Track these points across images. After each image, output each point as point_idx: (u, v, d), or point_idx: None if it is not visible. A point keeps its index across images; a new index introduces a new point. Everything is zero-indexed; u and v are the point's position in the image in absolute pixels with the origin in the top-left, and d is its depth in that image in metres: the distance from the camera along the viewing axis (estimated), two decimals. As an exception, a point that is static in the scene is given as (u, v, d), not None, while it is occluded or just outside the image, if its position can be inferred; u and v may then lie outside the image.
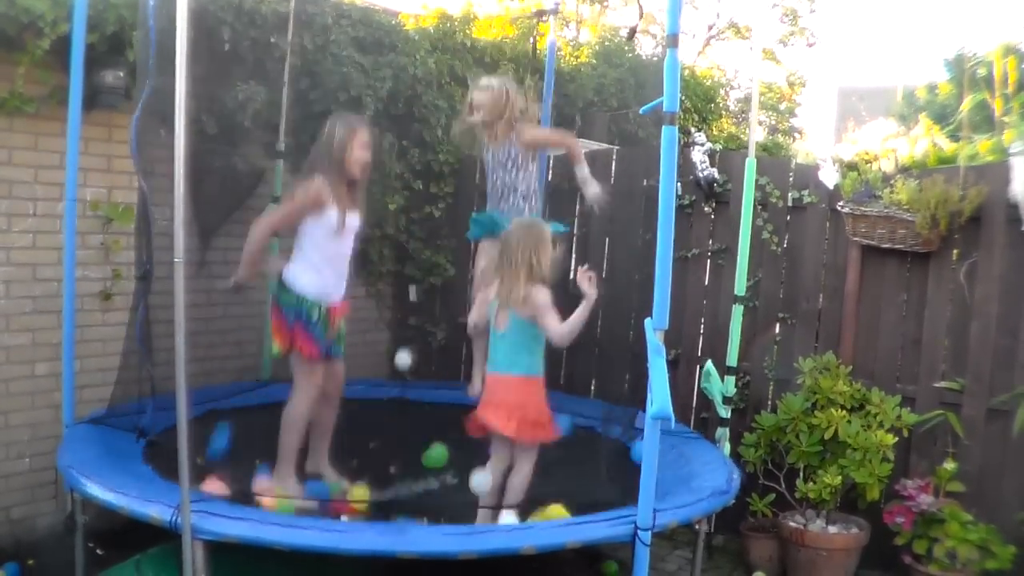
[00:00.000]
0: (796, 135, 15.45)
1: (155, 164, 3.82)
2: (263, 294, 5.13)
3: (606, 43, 8.50)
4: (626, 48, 7.97)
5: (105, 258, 4.51)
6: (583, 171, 4.61)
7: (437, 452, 4.59)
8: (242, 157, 4.77)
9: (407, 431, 4.84)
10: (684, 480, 3.86)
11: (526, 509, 3.81)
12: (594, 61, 7.39)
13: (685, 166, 5.04)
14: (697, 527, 3.97)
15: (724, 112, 9.76)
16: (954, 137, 5.08)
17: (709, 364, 4.77)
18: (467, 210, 5.32)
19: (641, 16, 14.16)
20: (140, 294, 3.90)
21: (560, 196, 5.60)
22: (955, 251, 4.59)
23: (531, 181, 4.60)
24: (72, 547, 3.81)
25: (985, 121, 5.53)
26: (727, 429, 4.63)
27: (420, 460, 4.57)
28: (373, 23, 5.34)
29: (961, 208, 4.41)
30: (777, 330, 5.15)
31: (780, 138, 13.85)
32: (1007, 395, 4.39)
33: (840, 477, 4.41)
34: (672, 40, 3.01)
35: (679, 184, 4.90)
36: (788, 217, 5.09)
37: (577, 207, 5.64)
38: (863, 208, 4.61)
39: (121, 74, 4.18)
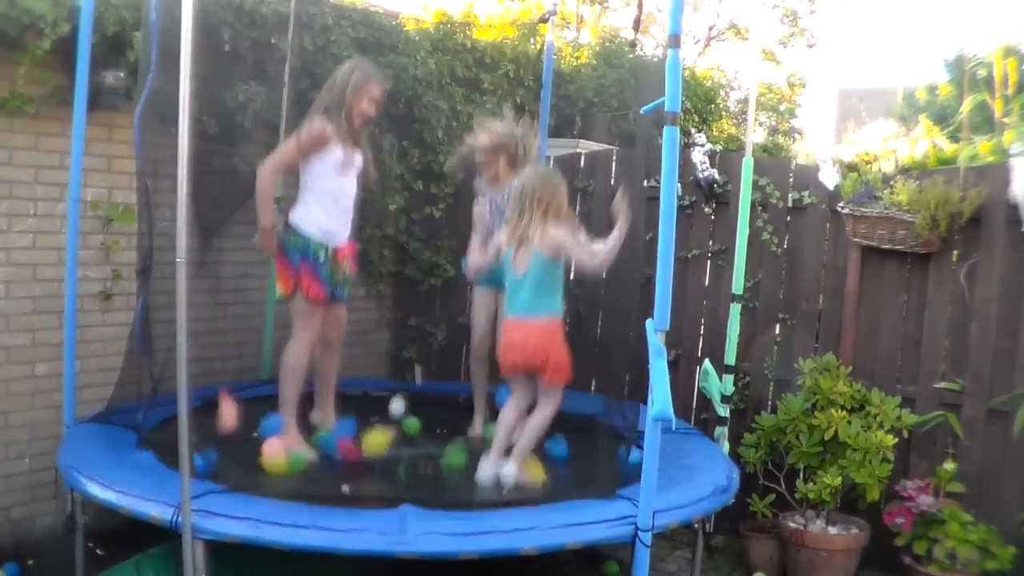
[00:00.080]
0: (796, 136, 15.45)
1: (157, 164, 3.82)
2: (263, 294, 5.15)
3: (606, 44, 8.51)
4: (626, 49, 7.97)
5: (105, 258, 4.51)
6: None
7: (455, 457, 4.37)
8: (242, 157, 4.77)
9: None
10: (684, 479, 3.85)
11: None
12: (594, 62, 7.39)
13: (685, 167, 5.04)
14: (697, 527, 3.98)
15: (724, 113, 9.76)
16: (954, 138, 5.08)
17: (707, 363, 4.77)
18: (467, 210, 5.31)
19: (641, 9, 14.14)
20: (140, 288, 3.90)
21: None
22: (955, 252, 4.59)
23: None
24: (72, 547, 3.81)
25: (985, 122, 5.53)
26: (726, 428, 4.63)
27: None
28: (373, 24, 5.35)
29: (961, 209, 4.41)
30: (777, 331, 5.15)
31: (780, 139, 13.85)
32: (1007, 396, 4.39)
33: (840, 478, 4.41)
34: (674, 40, 3.02)
35: (679, 185, 4.90)
36: (788, 218, 5.10)
37: (577, 208, 5.64)
38: (863, 209, 4.61)
39: (122, 75, 4.19)
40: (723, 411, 4.64)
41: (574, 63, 7.29)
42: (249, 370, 5.21)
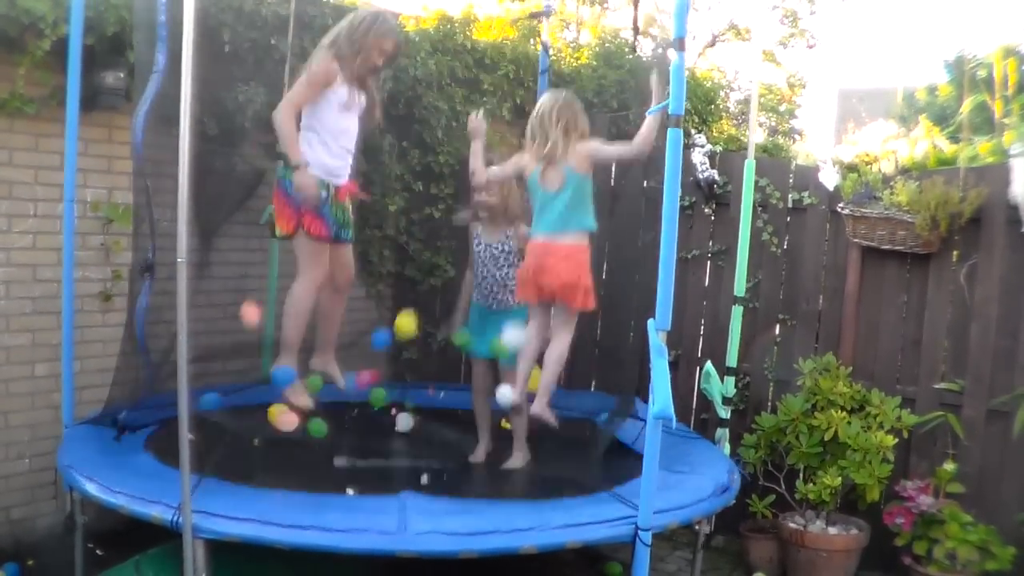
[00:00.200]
0: (796, 136, 15.46)
1: (157, 164, 3.82)
2: (263, 294, 5.14)
3: (606, 44, 8.50)
4: (626, 49, 7.96)
5: (105, 259, 4.51)
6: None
7: None
8: (242, 158, 4.77)
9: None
10: (684, 479, 3.86)
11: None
12: (594, 63, 7.38)
13: (685, 168, 5.04)
14: (697, 527, 3.98)
15: (724, 114, 9.75)
16: (954, 139, 5.08)
17: (708, 365, 4.77)
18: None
19: (637, 7, 14.13)
20: (144, 287, 3.89)
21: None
22: (955, 252, 4.59)
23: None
24: (72, 547, 3.81)
25: (985, 123, 5.53)
26: (727, 430, 4.63)
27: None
28: (374, 24, 5.33)
29: (961, 210, 4.42)
30: (777, 331, 5.15)
31: (780, 139, 13.85)
32: (1007, 396, 4.39)
33: (840, 478, 4.41)
34: (679, 44, 3.01)
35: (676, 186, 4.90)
36: (788, 218, 5.10)
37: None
38: (863, 209, 4.62)
39: (121, 75, 4.19)
40: (724, 413, 4.64)
41: (574, 64, 7.28)
42: (249, 370, 5.20)
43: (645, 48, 13.39)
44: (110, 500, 3.31)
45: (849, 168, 4.83)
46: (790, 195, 5.07)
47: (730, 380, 4.67)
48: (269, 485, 3.51)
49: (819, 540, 4.44)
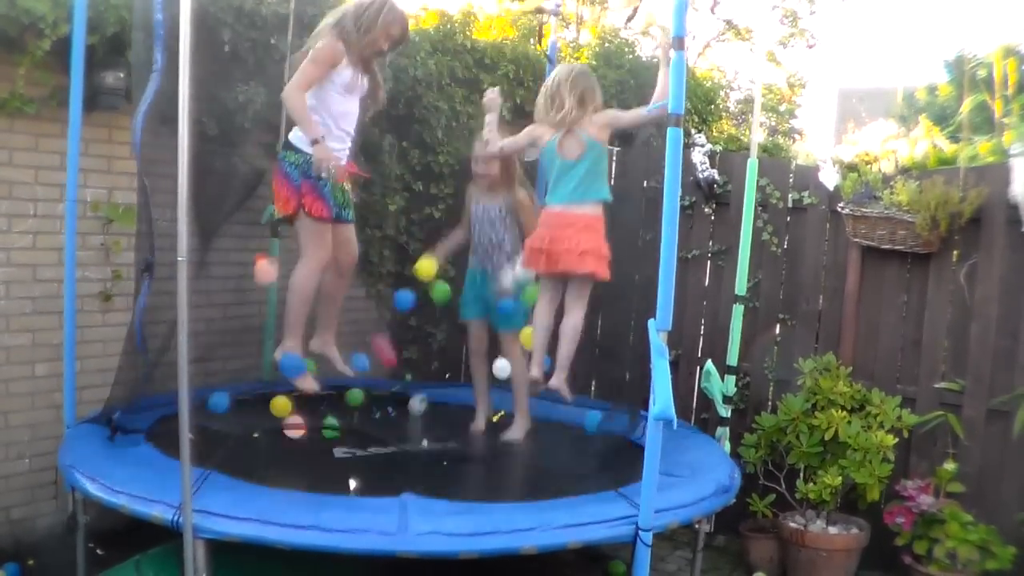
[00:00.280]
0: (796, 136, 15.44)
1: (157, 164, 3.82)
2: (263, 294, 5.14)
3: (606, 44, 8.50)
4: (626, 49, 7.95)
5: (105, 259, 4.51)
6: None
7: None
8: (242, 158, 4.77)
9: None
10: (685, 479, 3.85)
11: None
12: (594, 62, 7.39)
13: (685, 167, 5.04)
14: (697, 527, 3.98)
15: (724, 113, 9.76)
16: (954, 138, 5.08)
17: (709, 364, 4.77)
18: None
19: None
20: (143, 287, 3.89)
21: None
22: (955, 252, 4.59)
23: (516, 241, 4.59)
24: (72, 547, 3.81)
25: (985, 122, 5.53)
26: (727, 428, 4.63)
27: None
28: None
29: (961, 209, 4.42)
30: (777, 331, 5.15)
31: (780, 139, 13.84)
32: (1007, 396, 4.40)
33: (840, 478, 4.41)
34: (678, 43, 3.02)
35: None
36: (788, 218, 5.10)
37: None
38: (863, 209, 4.62)
39: (121, 75, 4.18)
40: (725, 411, 4.64)
41: (574, 63, 7.28)
42: (249, 370, 5.21)
43: (646, 48, 13.37)
44: (111, 500, 3.30)
45: (849, 168, 4.83)
46: (790, 195, 5.07)
47: (730, 379, 4.67)
48: (270, 481, 3.51)
49: (819, 540, 4.44)
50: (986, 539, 4.21)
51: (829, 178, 4.82)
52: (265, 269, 4.12)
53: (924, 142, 4.81)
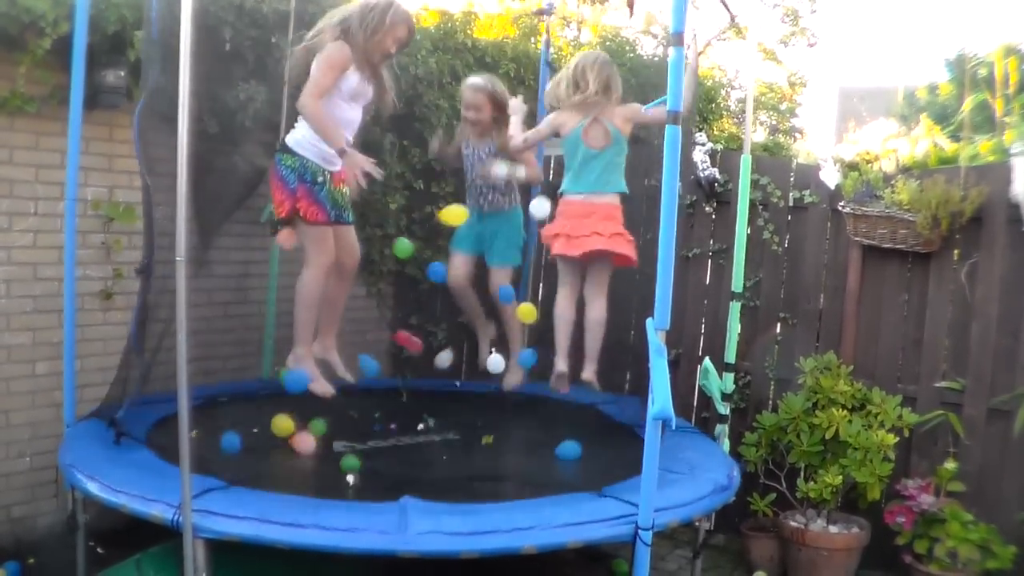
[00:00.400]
0: (797, 135, 15.42)
1: (157, 163, 3.82)
2: (262, 294, 5.15)
3: (607, 43, 8.49)
4: (627, 48, 7.95)
5: (106, 257, 4.51)
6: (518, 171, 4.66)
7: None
8: (243, 156, 4.77)
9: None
10: (684, 477, 3.85)
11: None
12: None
13: (686, 166, 5.04)
14: (698, 525, 3.97)
15: (725, 112, 9.74)
16: (955, 137, 5.08)
17: (707, 361, 4.77)
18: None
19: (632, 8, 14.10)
20: (140, 288, 3.89)
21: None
22: (956, 251, 4.59)
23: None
24: (73, 546, 3.81)
25: (986, 121, 5.53)
26: (726, 426, 4.62)
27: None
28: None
29: (962, 208, 4.41)
30: (778, 330, 5.15)
31: (781, 138, 13.83)
32: (1008, 395, 4.39)
33: (841, 477, 4.41)
34: (676, 39, 3.01)
35: (679, 184, 4.90)
36: (789, 217, 5.10)
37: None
38: (864, 208, 4.62)
39: (122, 74, 4.18)
40: (723, 409, 4.64)
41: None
42: (249, 370, 5.20)
43: (647, 47, 13.36)
44: (111, 499, 3.30)
45: (850, 167, 4.82)
46: (791, 194, 5.07)
47: (728, 376, 4.67)
48: (270, 481, 3.50)
49: (820, 539, 4.44)
50: (987, 538, 4.21)
51: (830, 177, 4.82)
52: (286, 236, 4.13)
53: (925, 141, 4.81)
